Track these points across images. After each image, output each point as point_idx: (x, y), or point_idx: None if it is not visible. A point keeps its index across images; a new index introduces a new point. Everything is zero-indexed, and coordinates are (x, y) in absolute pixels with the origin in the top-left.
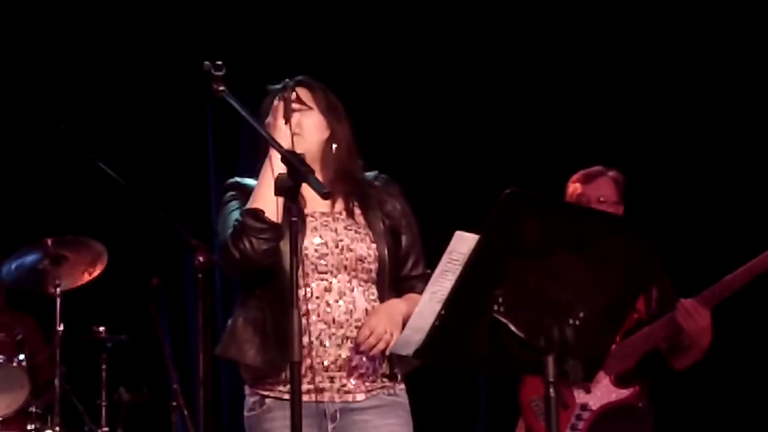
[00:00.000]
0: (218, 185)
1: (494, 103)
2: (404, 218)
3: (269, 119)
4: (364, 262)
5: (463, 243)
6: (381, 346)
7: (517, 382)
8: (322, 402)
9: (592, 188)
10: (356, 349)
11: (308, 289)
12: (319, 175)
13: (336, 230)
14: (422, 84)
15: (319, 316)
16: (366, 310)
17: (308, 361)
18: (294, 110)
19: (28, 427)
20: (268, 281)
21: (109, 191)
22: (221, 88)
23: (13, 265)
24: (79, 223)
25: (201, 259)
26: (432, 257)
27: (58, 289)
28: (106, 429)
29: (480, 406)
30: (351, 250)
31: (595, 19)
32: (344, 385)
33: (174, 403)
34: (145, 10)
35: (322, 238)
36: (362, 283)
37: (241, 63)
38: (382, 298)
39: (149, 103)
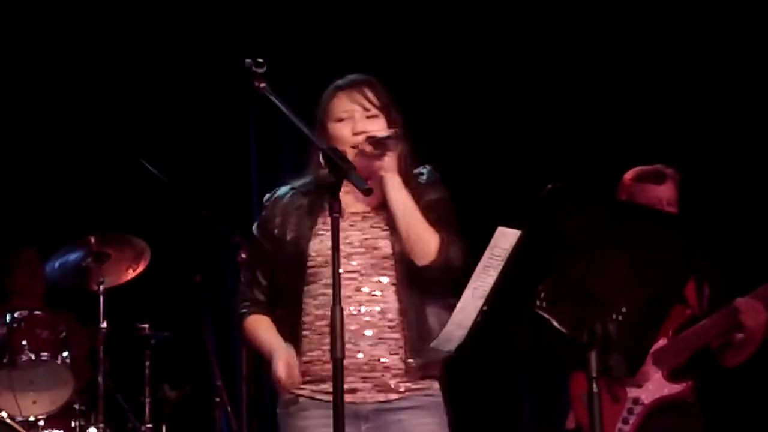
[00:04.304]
0: (260, 181)
1: (539, 102)
2: (434, 210)
3: (332, 122)
4: (390, 260)
5: (505, 238)
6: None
7: (565, 376)
8: (355, 403)
9: (663, 190)
10: (389, 351)
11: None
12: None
13: (363, 230)
14: (467, 80)
15: (352, 317)
16: (399, 310)
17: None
18: (365, 116)
19: (73, 424)
20: (296, 287)
21: (151, 188)
22: (263, 84)
23: (57, 264)
24: (122, 220)
25: (244, 255)
26: (475, 253)
27: (101, 287)
28: (149, 425)
29: (525, 403)
30: (377, 248)
31: (646, 25)
32: (377, 386)
33: (217, 400)
34: (187, 7)
35: (348, 239)
36: (394, 282)
37: (282, 60)
38: (404, 297)
39: (191, 100)
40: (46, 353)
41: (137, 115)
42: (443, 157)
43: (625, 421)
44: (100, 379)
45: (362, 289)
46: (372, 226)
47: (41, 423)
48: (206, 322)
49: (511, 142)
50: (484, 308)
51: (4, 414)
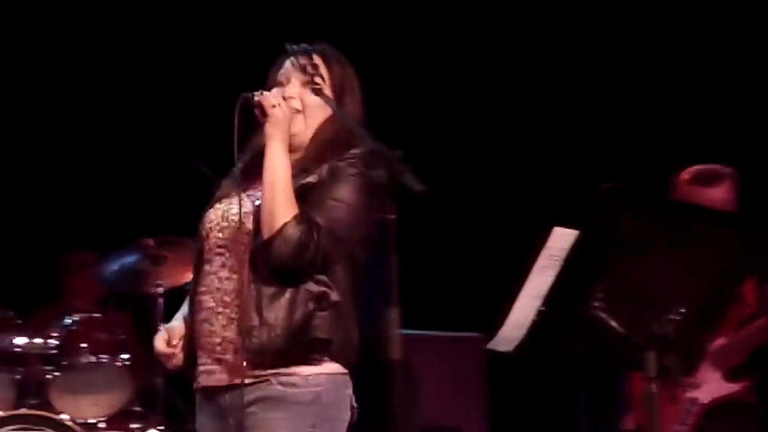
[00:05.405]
0: None
1: (583, 97)
2: (317, 191)
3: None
4: (248, 236)
5: (561, 239)
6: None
7: (621, 376)
8: (210, 386)
9: (717, 192)
10: (239, 330)
11: (206, 266)
12: (295, 155)
13: (239, 204)
14: (509, 81)
15: (211, 293)
16: (248, 291)
17: (198, 341)
18: (305, 81)
19: (132, 426)
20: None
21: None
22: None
23: (114, 267)
24: (178, 223)
25: None
26: (523, 253)
27: (159, 289)
28: None
29: (582, 403)
30: (243, 223)
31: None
32: (228, 368)
33: None
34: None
35: (219, 213)
36: (251, 260)
37: None
38: (255, 278)
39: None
40: (104, 356)
41: (188, 118)
42: (495, 157)
43: (683, 422)
44: (158, 380)
45: (226, 265)
46: (249, 201)
47: (101, 425)
48: None
49: (559, 142)
50: (542, 309)
51: (65, 416)
